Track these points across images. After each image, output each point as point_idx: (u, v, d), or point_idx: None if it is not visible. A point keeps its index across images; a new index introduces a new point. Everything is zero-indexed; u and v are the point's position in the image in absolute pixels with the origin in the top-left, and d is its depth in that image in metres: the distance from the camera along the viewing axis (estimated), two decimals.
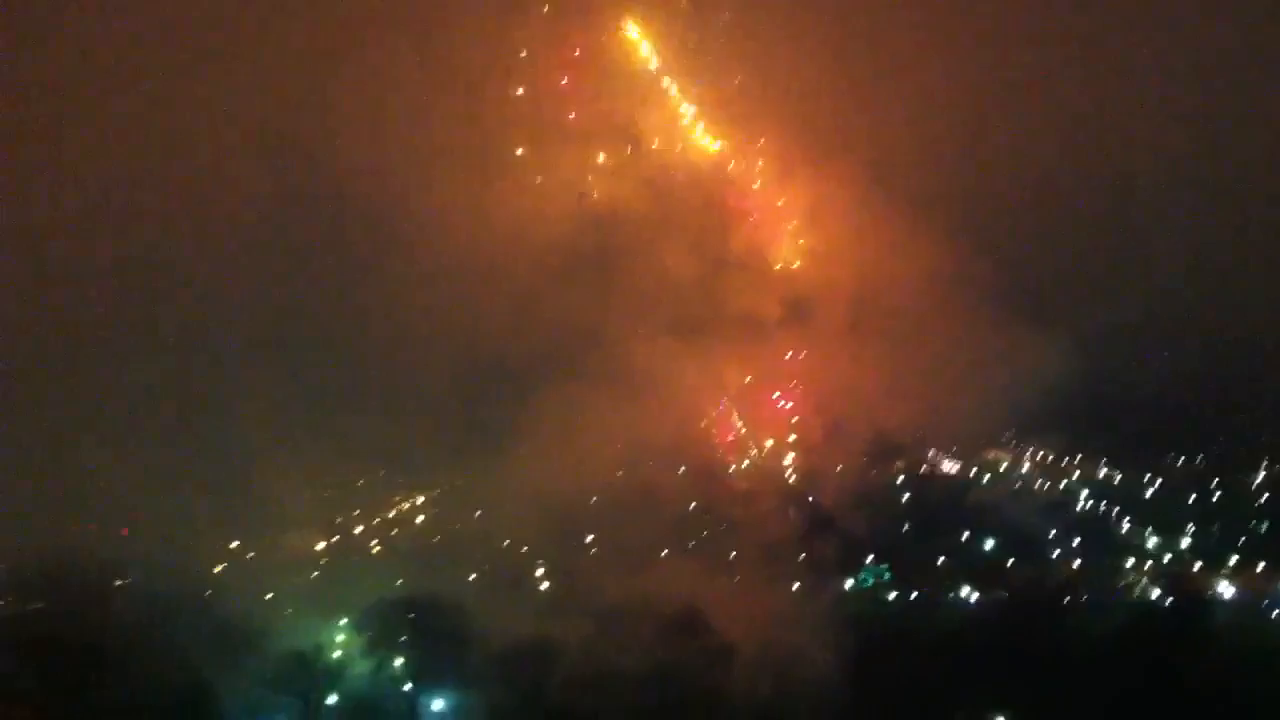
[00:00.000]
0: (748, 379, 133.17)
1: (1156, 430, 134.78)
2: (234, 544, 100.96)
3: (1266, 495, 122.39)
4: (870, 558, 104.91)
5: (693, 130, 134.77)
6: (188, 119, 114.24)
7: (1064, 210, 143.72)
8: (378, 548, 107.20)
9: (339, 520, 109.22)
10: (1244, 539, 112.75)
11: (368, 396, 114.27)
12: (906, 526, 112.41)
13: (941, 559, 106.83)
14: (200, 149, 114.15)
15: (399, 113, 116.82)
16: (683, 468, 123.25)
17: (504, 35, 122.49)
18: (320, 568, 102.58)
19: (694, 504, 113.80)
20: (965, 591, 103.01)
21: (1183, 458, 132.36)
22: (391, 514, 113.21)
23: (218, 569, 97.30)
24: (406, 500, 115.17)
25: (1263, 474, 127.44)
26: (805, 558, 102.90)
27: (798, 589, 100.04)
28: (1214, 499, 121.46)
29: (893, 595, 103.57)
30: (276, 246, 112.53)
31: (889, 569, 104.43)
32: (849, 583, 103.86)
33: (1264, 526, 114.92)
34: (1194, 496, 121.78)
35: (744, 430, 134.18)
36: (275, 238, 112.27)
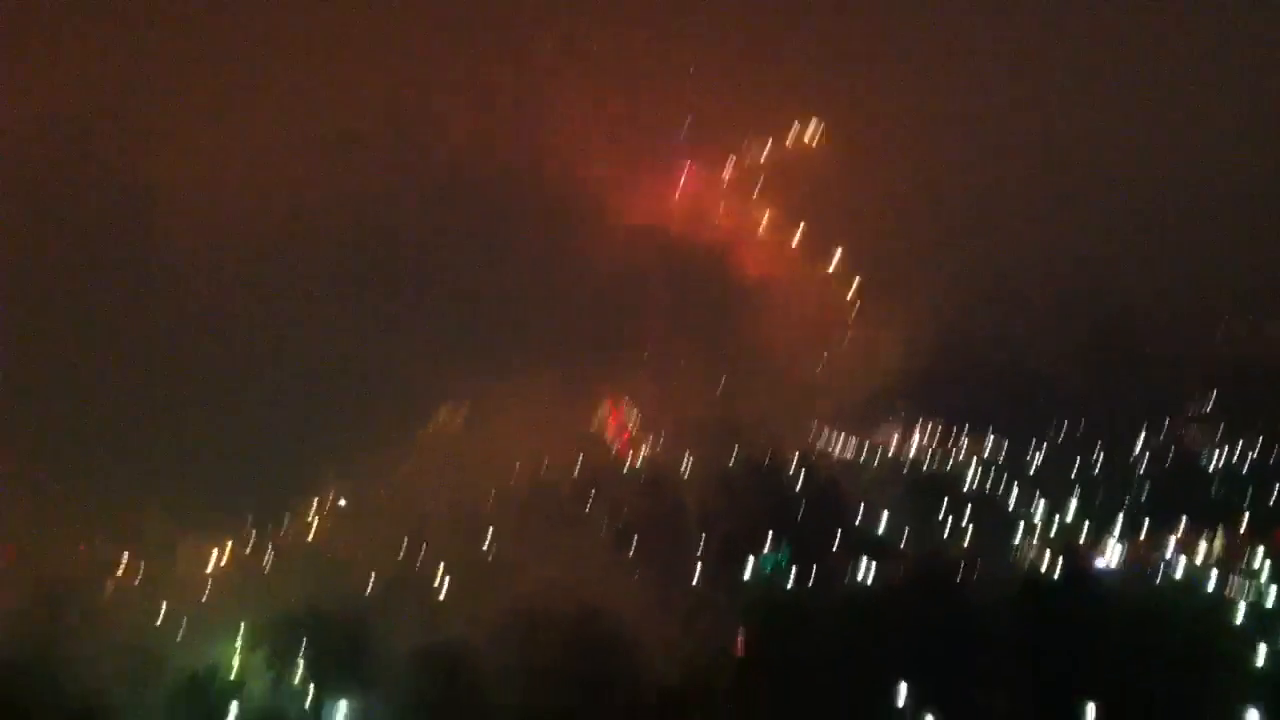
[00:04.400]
0: (633, 373, 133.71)
1: (1037, 400, 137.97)
2: (121, 567, 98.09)
3: (1147, 462, 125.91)
4: (769, 543, 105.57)
5: None
6: None
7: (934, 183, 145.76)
8: (271, 562, 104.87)
9: (229, 537, 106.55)
10: (1127, 506, 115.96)
11: (254, 407, 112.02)
12: (802, 510, 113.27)
13: (837, 540, 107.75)
14: None
15: None
16: (578, 467, 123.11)
17: None
18: (212, 586, 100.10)
19: (590, 502, 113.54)
20: (861, 574, 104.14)
21: (1065, 426, 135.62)
22: (284, 527, 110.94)
23: (106, 593, 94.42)
24: (299, 512, 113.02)
25: (1141, 441, 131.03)
26: (705, 548, 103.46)
27: (699, 579, 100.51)
28: (1097, 468, 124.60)
29: (791, 581, 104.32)
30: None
31: (788, 553, 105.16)
32: (749, 569, 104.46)
33: (1145, 493, 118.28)
34: (1077, 466, 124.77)
35: (635, 426, 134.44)
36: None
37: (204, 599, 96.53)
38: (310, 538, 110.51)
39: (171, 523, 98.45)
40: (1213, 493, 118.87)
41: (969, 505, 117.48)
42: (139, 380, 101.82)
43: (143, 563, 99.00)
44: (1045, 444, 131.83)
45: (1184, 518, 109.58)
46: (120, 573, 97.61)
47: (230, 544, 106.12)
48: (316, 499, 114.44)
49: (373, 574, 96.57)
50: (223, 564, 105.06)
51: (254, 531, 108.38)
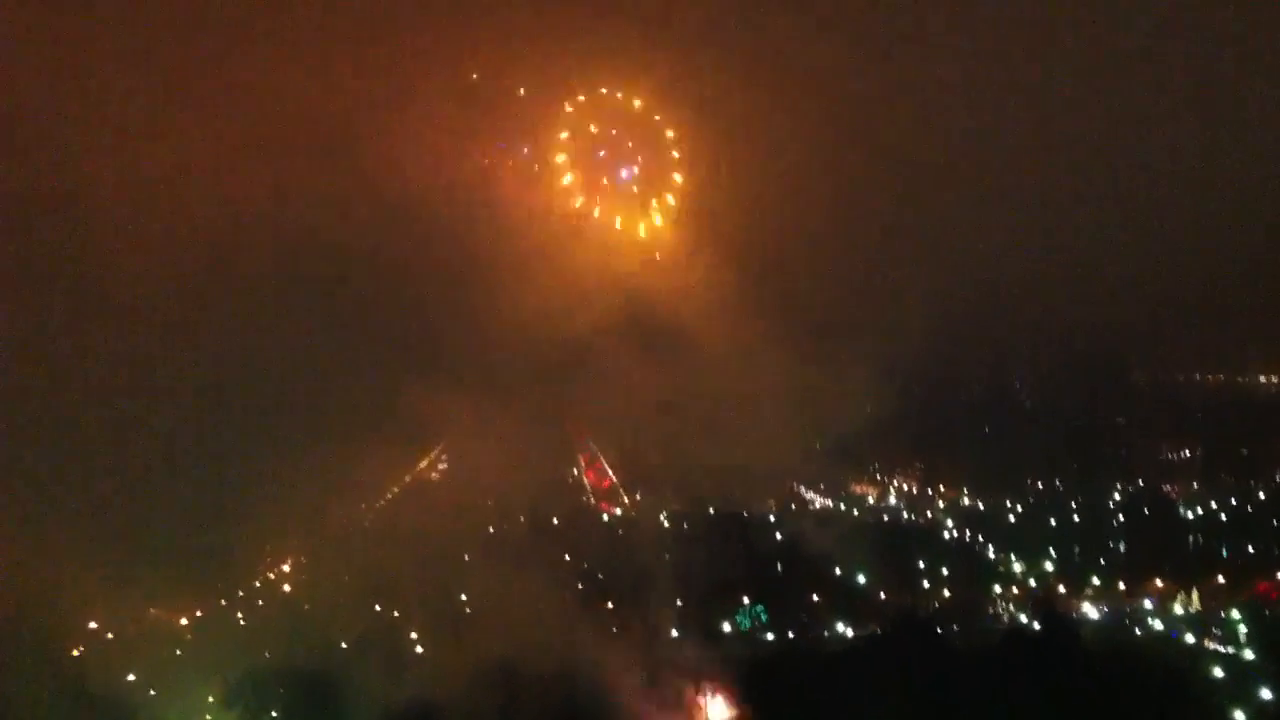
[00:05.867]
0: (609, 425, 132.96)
1: (1016, 451, 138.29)
2: (92, 624, 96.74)
3: (1122, 516, 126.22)
4: (745, 600, 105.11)
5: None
6: None
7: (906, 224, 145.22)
8: (244, 619, 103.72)
9: (203, 593, 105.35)
10: (1104, 559, 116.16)
11: (225, 461, 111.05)
12: (780, 562, 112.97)
13: (815, 596, 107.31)
14: None
15: None
16: (555, 519, 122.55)
17: None
18: (184, 643, 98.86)
19: (568, 555, 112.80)
20: (840, 627, 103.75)
21: (1040, 482, 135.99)
22: (257, 583, 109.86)
23: (76, 652, 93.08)
24: (272, 569, 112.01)
25: (1117, 495, 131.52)
26: (682, 601, 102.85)
27: (677, 635, 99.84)
28: (1073, 521, 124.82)
29: (770, 635, 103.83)
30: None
31: (765, 609, 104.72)
32: (726, 626, 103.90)
33: (1123, 545, 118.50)
34: (1054, 520, 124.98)
35: (614, 478, 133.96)
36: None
37: (177, 657, 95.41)
38: (284, 593, 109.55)
39: (144, 580, 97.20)
40: (1191, 544, 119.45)
41: (948, 556, 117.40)
42: (105, 438, 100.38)
43: (114, 621, 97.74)
44: (1024, 495, 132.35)
45: (1163, 569, 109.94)
46: (91, 631, 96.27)
47: (204, 601, 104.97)
48: (290, 554, 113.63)
49: (347, 630, 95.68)
50: (196, 619, 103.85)
51: (227, 588, 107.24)
